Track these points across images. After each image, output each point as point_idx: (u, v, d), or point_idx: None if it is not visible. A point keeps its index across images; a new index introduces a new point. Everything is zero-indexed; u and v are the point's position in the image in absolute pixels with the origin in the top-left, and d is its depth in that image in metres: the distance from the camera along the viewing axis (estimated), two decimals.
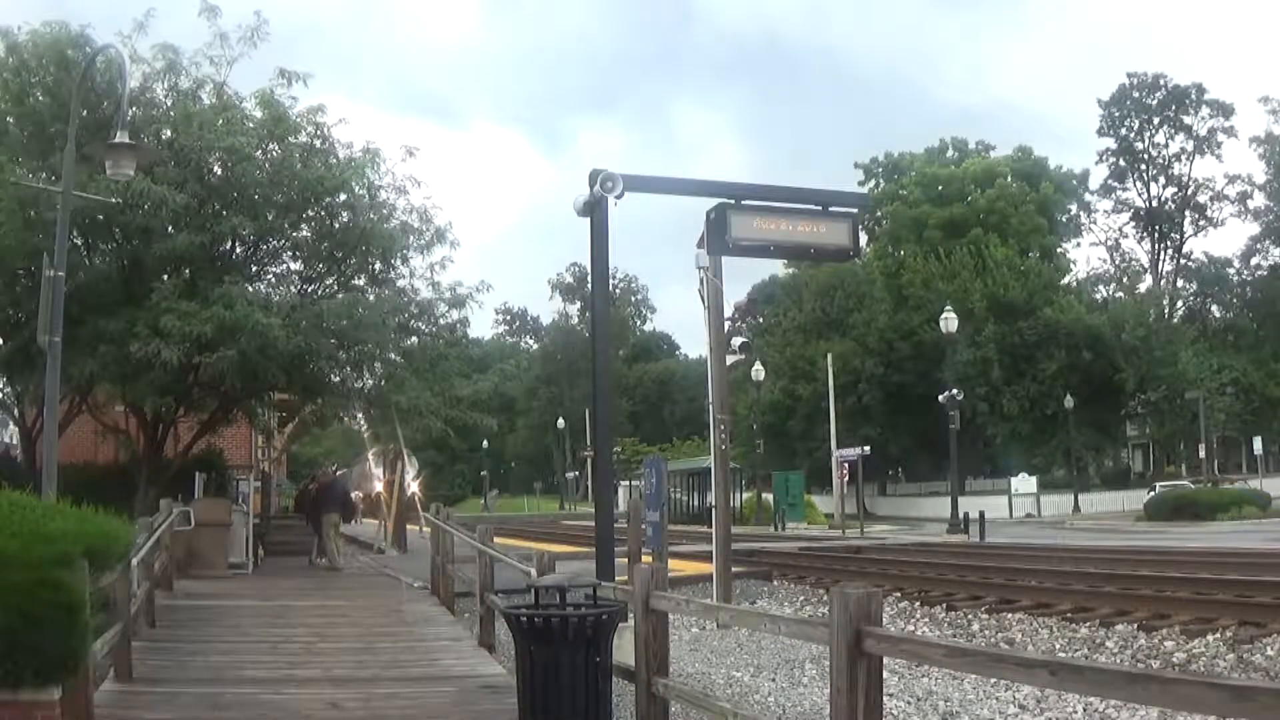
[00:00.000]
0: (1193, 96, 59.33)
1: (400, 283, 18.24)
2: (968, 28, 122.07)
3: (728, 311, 15.28)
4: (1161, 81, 59.83)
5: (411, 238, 17.60)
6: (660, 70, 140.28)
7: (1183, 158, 60.33)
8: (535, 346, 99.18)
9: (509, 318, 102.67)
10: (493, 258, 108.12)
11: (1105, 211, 63.61)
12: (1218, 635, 9.70)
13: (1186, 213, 60.87)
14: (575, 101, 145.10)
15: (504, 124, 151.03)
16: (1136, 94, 60.30)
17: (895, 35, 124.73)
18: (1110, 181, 62.30)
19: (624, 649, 6.46)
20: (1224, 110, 58.79)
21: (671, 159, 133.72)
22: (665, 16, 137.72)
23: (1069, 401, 45.84)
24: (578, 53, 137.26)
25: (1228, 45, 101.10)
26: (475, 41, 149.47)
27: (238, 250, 16.95)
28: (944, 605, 12.89)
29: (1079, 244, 64.41)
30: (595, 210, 11.08)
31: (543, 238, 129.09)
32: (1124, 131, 60.90)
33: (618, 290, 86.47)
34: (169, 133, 15.91)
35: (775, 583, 16.70)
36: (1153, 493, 40.83)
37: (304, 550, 20.46)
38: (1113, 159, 61.71)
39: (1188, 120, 59.66)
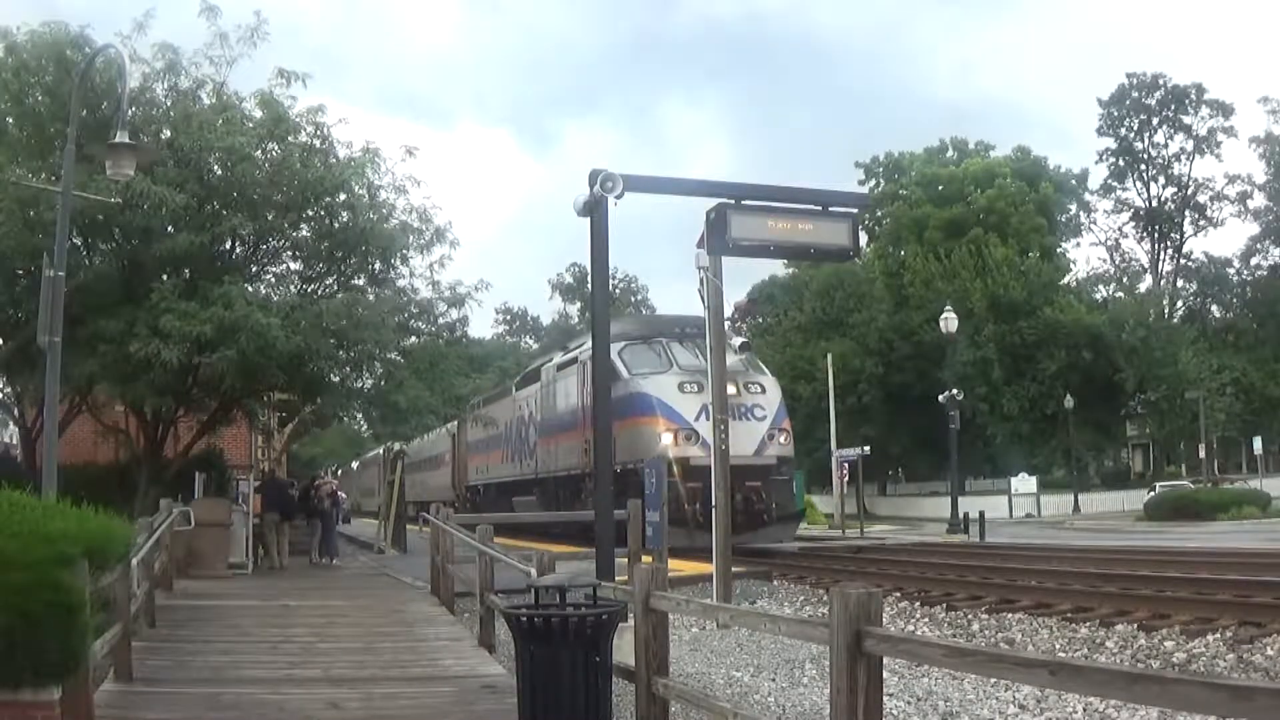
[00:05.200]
0: (1192, 96, 59.34)
1: (400, 282, 18.28)
2: (961, 24, 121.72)
3: (728, 311, 15.20)
4: (1161, 81, 59.84)
5: (411, 237, 17.62)
6: (647, 68, 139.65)
7: (1182, 158, 60.36)
8: (535, 346, 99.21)
9: (509, 317, 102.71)
10: (488, 258, 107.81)
11: (1105, 211, 63.70)
12: (1218, 635, 9.70)
13: (1186, 213, 60.87)
14: (562, 101, 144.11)
15: (490, 125, 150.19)
16: (1136, 94, 60.29)
17: (885, 29, 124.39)
18: (1110, 181, 62.34)
19: (624, 649, 6.46)
20: (1224, 110, 58.83)
21: (663, 157, 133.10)
22: (649, 13, 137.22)
23: (1069, 401, 45.85)
24: (562, 52, 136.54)
25: (1228, 45, 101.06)
26: (458, 42, 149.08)
27: (237, 250, 16.96)
28: (944, 605, 12.88)
29: (1079, 244, 64.51)
30: (595, 210, 11.11)
31: (537, 238, 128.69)
32: (1124, 131, 60.90)
33: (618, 290, 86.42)
34: (169, 133, 15.91)
35: (775, 583, 16.68)
36: (1152, 493, 40.84)
37: (304, 550, 20.48)
38: (1112, 159, 61.71)
39: (1187, 120, 59.69)
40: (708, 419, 18.36)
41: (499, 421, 29.86)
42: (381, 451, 36.22)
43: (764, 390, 21.02)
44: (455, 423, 35.04)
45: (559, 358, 25.62)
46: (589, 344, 21.70)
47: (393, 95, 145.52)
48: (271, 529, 19.22)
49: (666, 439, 18.02)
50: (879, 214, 59.63)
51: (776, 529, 20.73)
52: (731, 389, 19.21)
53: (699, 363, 20.51)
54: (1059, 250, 58.66)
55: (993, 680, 7.90)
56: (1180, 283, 60.87)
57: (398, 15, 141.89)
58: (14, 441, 24.22)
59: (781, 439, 20.74)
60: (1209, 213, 60.84)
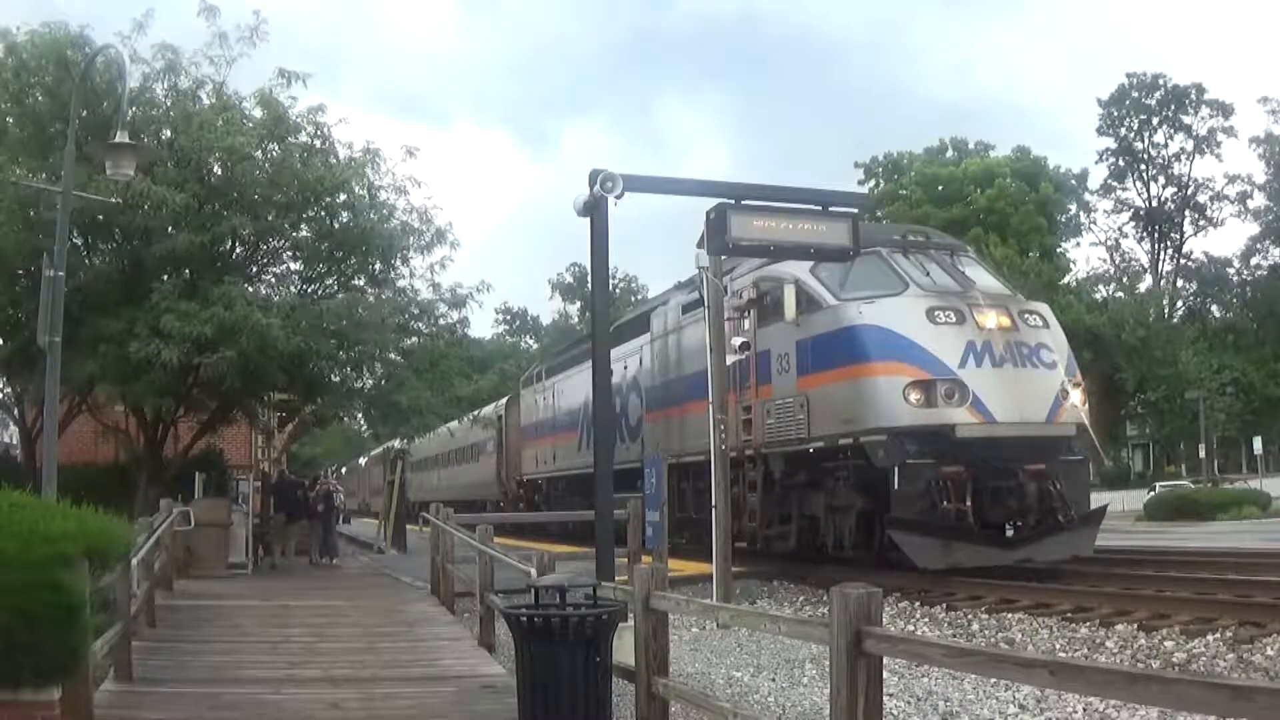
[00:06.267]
0: (1192, 96, 59.38)
1: (400, 283, 18.31)
2: (961, 24, 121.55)
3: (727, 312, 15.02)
4: (1161, 81, 59.87)
5: (411, 238, 17.64)
6: (644, 68, 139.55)
7: (1182, 158, 60.42)
8: (535, 346, 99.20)
9: (509, 317, 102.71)
10: (486, 258, 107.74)
11: (1105, 211, 63.72)
12: (1218, 635, 9.69)
13: (1186, 213, 60.93)
14: (560, 101, 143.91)
15: (488, 125, 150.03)
16: (1136, 94, 60.32)
17: (884, 28, 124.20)
18: (1110, 181, 62.38)
19: (624, 649, 6.46)
20: (1224, 110, 58.87)
21: (661, 157, 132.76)
22: (646, 13, 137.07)
23: None
24: (559, 52, 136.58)
25: (1228, 45, 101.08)
26: (454, 43, 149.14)
27: (238, 250, 16.97)
28: (944, 605, 12.87)
29: (1079, 244, 64.50)
30: (595, 210, 11.11)
31: (536, 238, 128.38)
32: (1124, 131, 60.95)
33: (618, 290, 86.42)
34: (169, 133, 15.93)
35: (775, 583, 16.67)
36: (1153, 493, 40.81)
37: (304, 550, 20.49)
38: (1112, 159, 61.76)
39: (1187, 120, 59.73)
40: (978, 364, 12.87)
41: (573, 394, 22.34)
42: (383, 450, 32.63)
43: (1046, 323, 14.20)
44: (504, 401, 29.39)
45: (681, 297, 18.12)
46: (737, 271, 16.00)
47: (390, 95, 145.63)
48: (279, 529, 19.22)
49: (913, 396, 12.40)
50: (879, 214, 59.58)
51: (1073, 537, 13.52)
52: (1003, 319, 13.53)
53: (951, 282, 14.23)
54: (1059, 250, 58.64)
55: (993, 680, 7.90)
56: (1180, 283, 60.92)
57: (394, 15, 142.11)
58: (14, 441, 24.24)
59: (1077, 396, 13.68)
60: (1209, 213, 60.93)
